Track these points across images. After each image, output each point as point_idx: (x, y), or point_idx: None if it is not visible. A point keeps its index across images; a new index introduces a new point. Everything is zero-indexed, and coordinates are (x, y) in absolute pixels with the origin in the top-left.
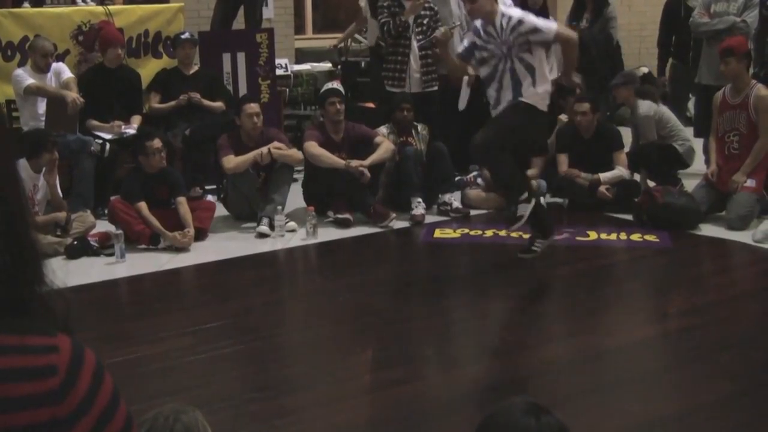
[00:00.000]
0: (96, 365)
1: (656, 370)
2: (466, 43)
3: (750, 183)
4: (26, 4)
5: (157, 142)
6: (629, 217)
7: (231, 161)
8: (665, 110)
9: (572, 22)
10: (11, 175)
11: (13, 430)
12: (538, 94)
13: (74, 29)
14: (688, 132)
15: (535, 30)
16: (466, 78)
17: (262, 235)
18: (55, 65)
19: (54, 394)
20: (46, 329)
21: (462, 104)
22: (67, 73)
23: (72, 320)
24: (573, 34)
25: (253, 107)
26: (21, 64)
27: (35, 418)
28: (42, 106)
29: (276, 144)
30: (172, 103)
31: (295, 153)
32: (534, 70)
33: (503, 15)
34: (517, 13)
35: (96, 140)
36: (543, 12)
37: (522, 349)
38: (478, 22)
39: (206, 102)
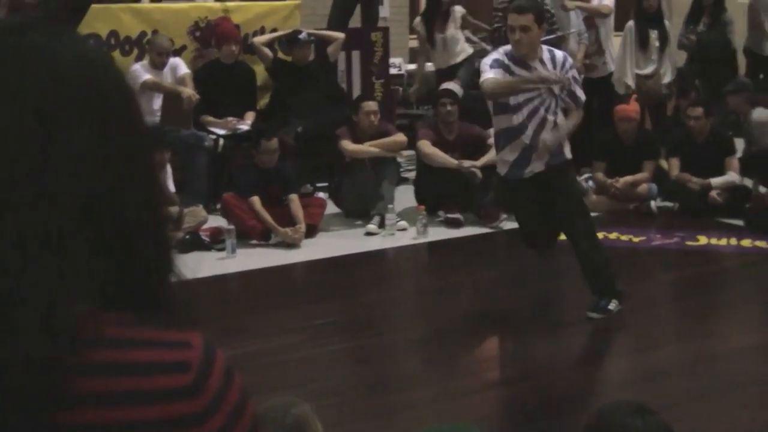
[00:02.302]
0: (226, 363)
1: (766, 377)
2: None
3: None
4: (145, 0)
5: (274, 143)
6: (740, 222)
7: (351, 145)
8: None
9: (689, 26)
10: (154, 164)
11: (144, 424)
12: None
13: (191, 25)
14: None
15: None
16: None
17: (371, 234)
18: (171, 61)
19: (186, 390)
20: (178, 323)
21: None
22: (184, 69)
23: (197, 314)
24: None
25: (371, 105)
26: (138, 59)
27: (166, 412)
28: (158, 102)
29: (370, 144)
30: (280, 33)
31: (395, 139)
32: None
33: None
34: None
35: (210, 136)
36: (657, 16)
37: (631, 353)
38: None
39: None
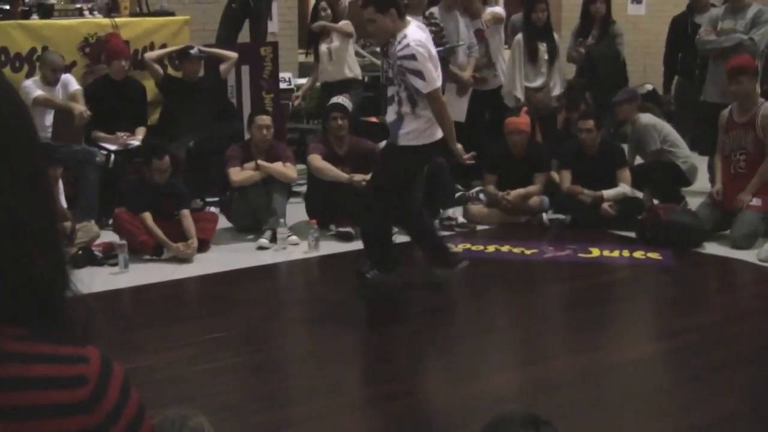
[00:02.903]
0: (123, 377)
1: (658, 388)
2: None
3: (755, 202)
4: (34, 16)
5: (165, 162)
6: (632, 234)
7: (237, 174)
8: (665, 124)
9: (579, 39)
10: (48, 180)
11: None
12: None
13: (81, 41)
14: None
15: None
16: (453, 86)
17: (263, 248)
18: (62, 77)
19: (83, 404)
20: (75, 338)
21: (462, 116)
22: (75, 86)
23: (93, 329)
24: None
25: (265, 119)
26: (28, 76)
27: (64, 427)
28: (49, 118)
29: (262, 163)
30: (171, 49)
31: (287, 172)
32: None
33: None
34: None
35: (101, 151)
36: (546, 29)
37: (523, 365)
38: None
39: (218, 51)
